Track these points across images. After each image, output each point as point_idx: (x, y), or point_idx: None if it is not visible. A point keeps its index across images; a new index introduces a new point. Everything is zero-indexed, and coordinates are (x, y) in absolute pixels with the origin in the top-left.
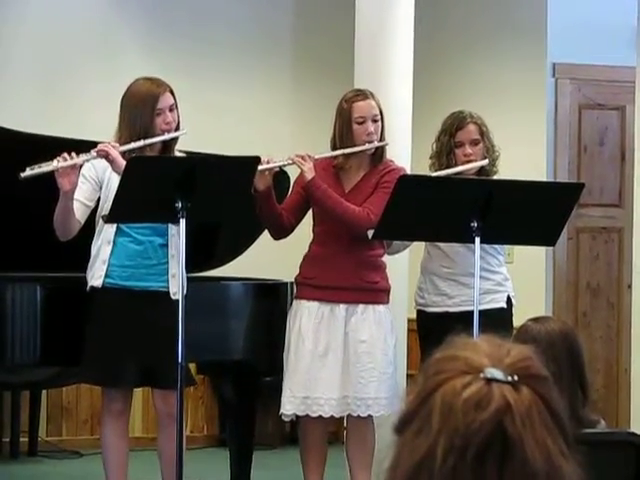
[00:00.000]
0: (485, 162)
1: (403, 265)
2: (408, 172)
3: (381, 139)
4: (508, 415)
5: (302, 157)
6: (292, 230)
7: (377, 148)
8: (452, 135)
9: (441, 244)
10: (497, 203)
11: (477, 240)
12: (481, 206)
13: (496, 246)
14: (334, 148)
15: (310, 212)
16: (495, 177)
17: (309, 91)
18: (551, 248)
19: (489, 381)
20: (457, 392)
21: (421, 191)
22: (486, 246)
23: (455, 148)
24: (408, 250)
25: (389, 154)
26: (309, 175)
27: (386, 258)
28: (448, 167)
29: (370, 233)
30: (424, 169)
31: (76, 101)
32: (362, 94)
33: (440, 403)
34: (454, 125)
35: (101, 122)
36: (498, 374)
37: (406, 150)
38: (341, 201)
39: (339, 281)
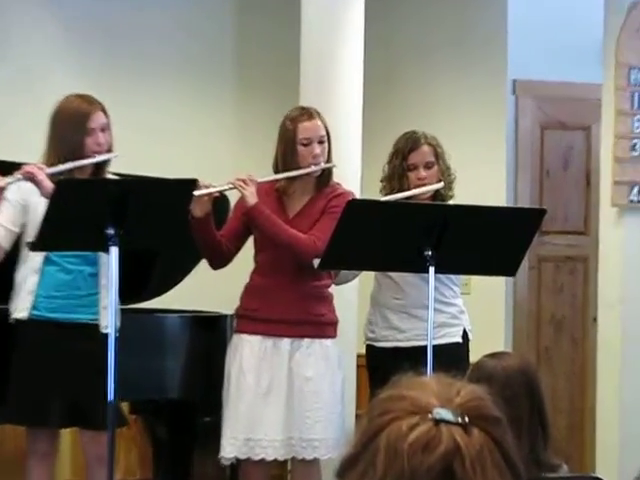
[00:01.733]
0: (440, 185)
1: (352, 296)
2: (357, 196)
3: (328, 161)
4: (457, 458)
5: (243, 181)
6: (232, 258)
7: (323, 171)
8: (405, 157)
9: (392, 274)
10: (453, 230)
11: (431, 270)
12: (436, 233)
13: (451, 276)
14: (277, 171)
15: (251, 239)
16: (451, 202)
17: (252, 110)
18: (511, 278)
19: (437, 422)
20: (403, 434)
21: (371, 217)
22: (441, 276)
23: (408, 171)
24: (357, 280)
25: (337, 177)
26: (251, 200)
27: (333, 289)
28: (400, 191)
29: (316, 262)
30: (374, 193)
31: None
32: (307, 113)
33: (385, 445)
34: (407, 146)
35: (30, 144)
36: (447, 415)
37: (355, 173)
38: (285, 228)
39: (283, 313)
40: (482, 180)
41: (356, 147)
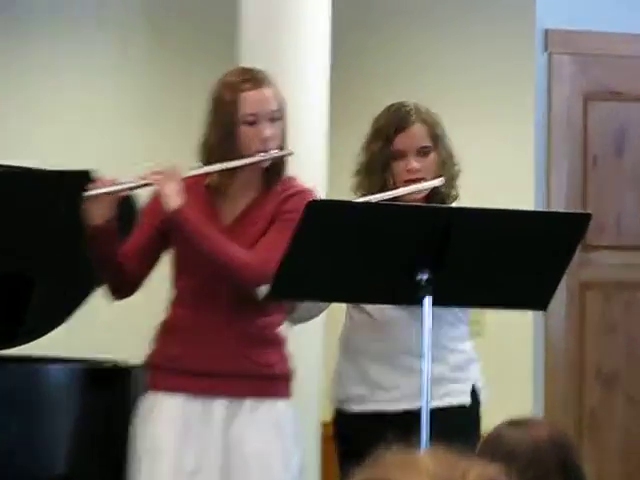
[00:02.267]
0: (439, 181)
1: (314, 339)
2: (321, 196)
3: (281, 147)
4: None
5: (162, 174)
6: (140, 284)
7: (275, 161)
8: (389, 141)
9: (371, 307)
10: (458, 244)
11: (427, 301)
12: (433, 249)
13: (456, 311)
14: (208, 161)
15: (168, 257)
16: (455, 204)
17: (171, 79)
18: (542, 314)
19: None
20: None
21: (341, 225)
22: (441, 311)
23: (393, 160)
24: (322, 317)
25: (295, 170)
26: (173, 202)
27: (288, 329)
28: (383, 189)
29: (263, 290)
30: (346, 191)
31: None
32: (253, 78)
33: None
34: (392, 125)
35: None
36: None
37: (319, 163)
38: (221, 242)
39: (215, 364)
40: (500, 172)
41: (320, 127)
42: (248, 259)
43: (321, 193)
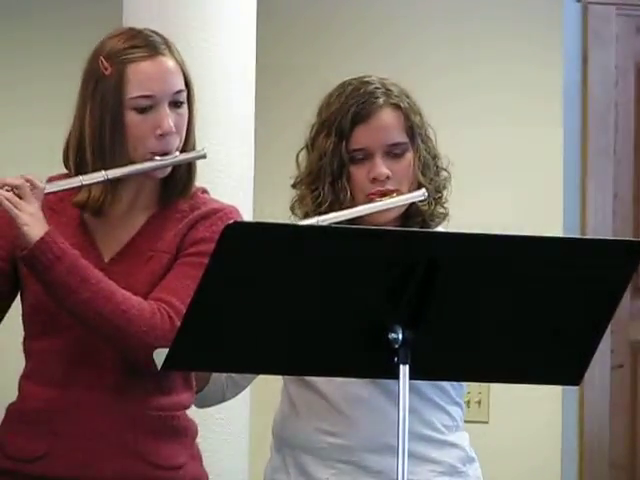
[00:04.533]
0: (420, 194)
1: (237, 425)
2: (247, 217)
3: (187, 145)
4: None
5: (18, 189)
6: None
7: (178, 168)
8: (344, 135)
9: (321, 381)
10: (447, 288)
11: (403, 371)
12: (412, 293)
13: (445, 385)
14: (79, 168)
15: (18, 304)
16: (441, 227)
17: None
18: (573, 389)
19: None
20: None
21: (274, 261)
22: (424, 386)
23: (352, 164)
24: (247, 394)
25: (212, 180)
26: (34, 230)
27: (198, 413)
28: (335, 206)
29: (160, 356)
30: (282, 211)
31: None
32: (148, 44)
33: None
34: (349, 112)
35: None
36: None
37: (245, 169)
38: (108, 287)
39: (93, 465)
40: (513, 176)
41: (247, 126)
42: (145, 312)
43: (248, 212)
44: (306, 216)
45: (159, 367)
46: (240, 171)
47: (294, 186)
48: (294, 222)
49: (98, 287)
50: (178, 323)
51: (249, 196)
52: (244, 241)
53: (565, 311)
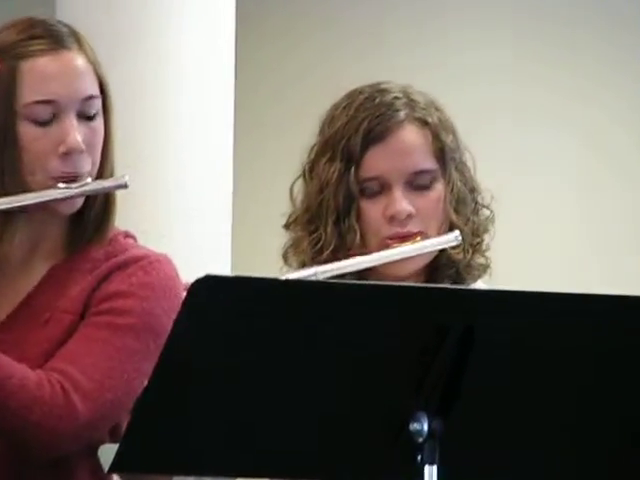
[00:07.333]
0: (453, 237)
1: None
2: (223, 268)
3: (102, 169)
4: None
5: None
6: None
7: (91, 201)
8: (354, 160)
9: None
10: (488, 363)
11: (429, 473)
12: (439, 375)
13: None
14: None
15: None
16: (480, 283)
17: None
18: None
19: None
20: None
21: (259, 326)
22: None
23: (362, 197)
24: None
25: (140, 214)
26: None
27: None
28: (341, 253)
29: (107, 454)
30: (269, 258)
31: None
32: (49, 36)
33: None
34: (361, 129)
35: None
36: None
37: (223, 200)
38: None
39: None
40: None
41: (225, 148)
42: (29, 383)
43: (223, 266)
44: (302, 266)
45: (106, 469)
46: (215, 200)
47: (287, 226)
48: (285, 274)
49: None
50: (74, 397)
51: (226, 242)
52: (216, 301)
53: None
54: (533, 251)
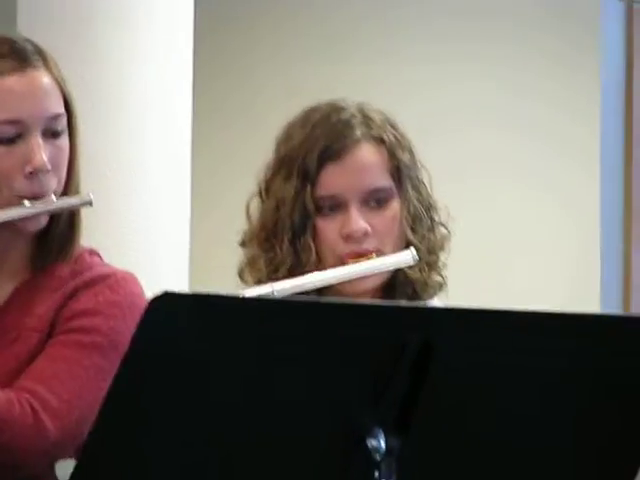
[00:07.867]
0: (408, 256)
1: None
2: (175, 286)
3: (68, 187)
4: None
5: None
6: None
7: (56, 219)
8: (310, 178)
9: None
10: (445, 379)
11: None
12: (397, 389)
13: None
14: None
15: None
16: (436, 301)
17: None
18: None
19: None
20: None
21: (217, 345)
22: None
23: (319, 215)
24: None
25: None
26: None
27: None
28: (297, 271)
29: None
30: (226, 274)
31: None
32: (13, 53)
33: None
34: (317, 147)
35: None
36: None
37: (180, 219)
38: None
39: None
40: (534, 222)
41: (183, 158)
42: (14, 411)
43: (180, 282)
44: (258, 283)
45: None
46: (174, 219)
47: (243, 244)
48: (242, 292)
49: None
50: (44, 417)
51: (184, 258)
52: (173, 320)
53: (609, 417)
54: (492, 264)
